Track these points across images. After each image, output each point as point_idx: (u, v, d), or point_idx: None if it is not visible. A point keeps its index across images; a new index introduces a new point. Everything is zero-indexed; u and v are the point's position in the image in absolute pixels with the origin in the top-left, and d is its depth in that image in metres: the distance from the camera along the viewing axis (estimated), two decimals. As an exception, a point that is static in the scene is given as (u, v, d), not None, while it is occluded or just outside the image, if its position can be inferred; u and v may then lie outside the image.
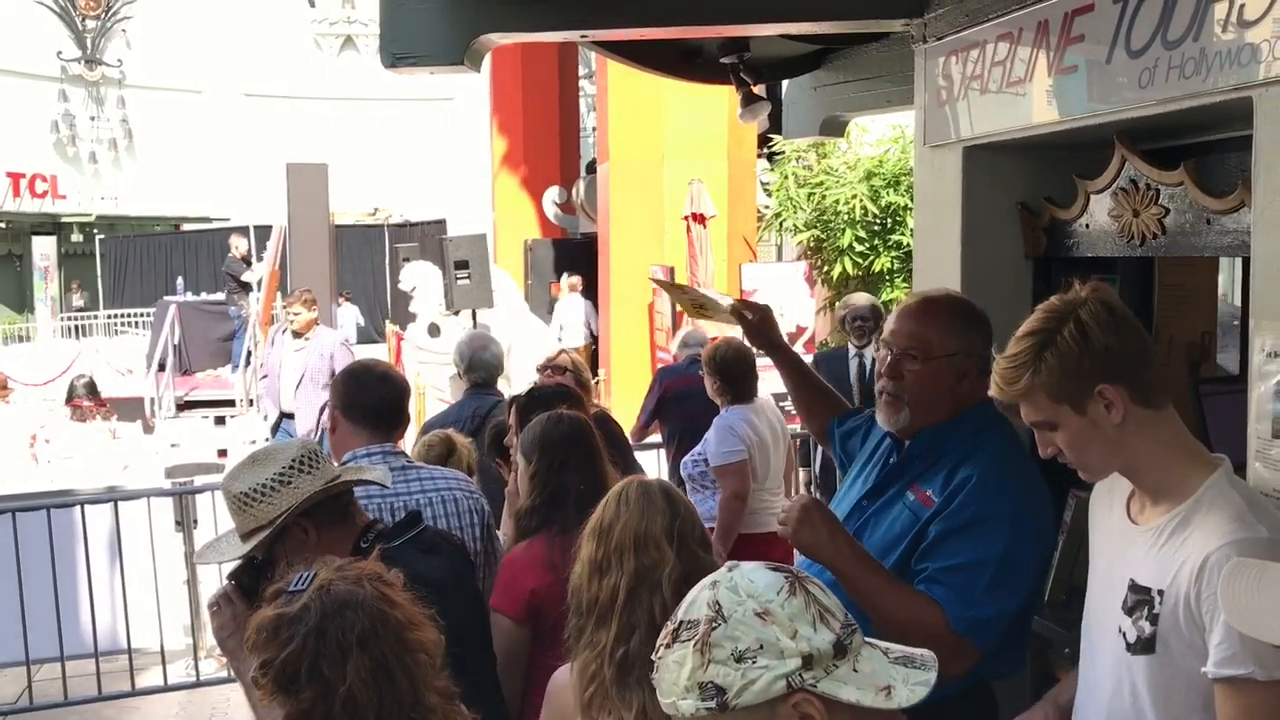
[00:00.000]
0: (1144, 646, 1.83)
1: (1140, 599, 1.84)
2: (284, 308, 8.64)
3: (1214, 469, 1.84)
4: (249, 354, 14.23)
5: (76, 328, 23.80)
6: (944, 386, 2.38)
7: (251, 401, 13.14)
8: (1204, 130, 2.68)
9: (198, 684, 5.45)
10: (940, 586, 2.20)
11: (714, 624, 1.26)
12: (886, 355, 2.44)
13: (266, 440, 8.23)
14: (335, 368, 7.72)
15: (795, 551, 2.42)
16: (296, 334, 8.06)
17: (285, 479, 2.22)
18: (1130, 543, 1.91)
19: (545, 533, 2.73)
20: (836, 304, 6.95)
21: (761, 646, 1.24)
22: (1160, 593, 1.80)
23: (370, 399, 2.88)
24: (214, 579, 5.55)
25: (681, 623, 1.30)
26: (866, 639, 1.31)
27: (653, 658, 1.31)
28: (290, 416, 8.00)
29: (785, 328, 9.50)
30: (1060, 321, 1.85)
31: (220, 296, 17.60)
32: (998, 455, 2.35)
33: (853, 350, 6.47)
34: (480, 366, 4.90)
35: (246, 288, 16.29)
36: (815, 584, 1.31)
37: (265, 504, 2.21)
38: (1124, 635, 1.87)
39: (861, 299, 6.80)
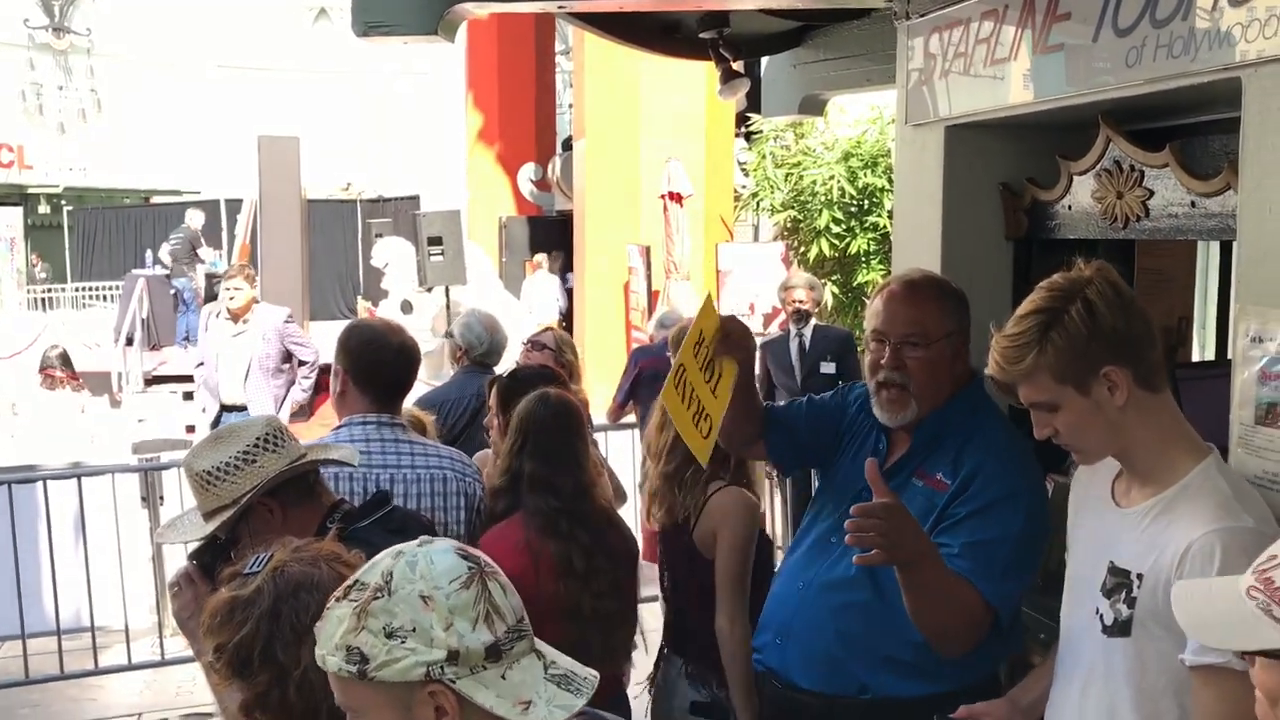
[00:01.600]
0: (1120, 629, 1.83)
1: (1119, 581, 1.84)
2: (222, 284, 7.61)
3: (1204, 455, 1.83)
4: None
5: (43, 300, 23.48)
6: (945, 369, 2.36)
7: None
8: (1190, 111, 2.65)
9: (163, 663, 5.39)
10: (964, 560, 2.19)
11: (378, 594, 1.30)
12: (880, 347, 2.36)
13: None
14: (288, 349, 7.16)
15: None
16: (233, 316, 7.15)
17: (249, 457, 2.16)
18: (1112, 525, 1.90)
19: (520, 514, 2.71)
20: (779, 290, 7.00)
21: (414, 630, 1.28)
22: (1140, 576, 1.80)
23: (386, 375, 2.83)
24: (180, 557, 5.48)
25: (356, 581, 1.34)
26: (539, 649, 1.34)
27: (327, 608, 1.35)
28: (232, 410, 7.13)
29: (761, 309, 9.51)
30: (1067, 300, 1.82)
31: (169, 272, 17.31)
32: (1004, 437, 2.37)
33: (793, 331, 6.68)
34: (497, 350, 4.84)
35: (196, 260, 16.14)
36: (497, 581, 1.34)
37: (228, 483, 2.15)
38: (1101, 617, 1.87)
39: (800, 280, 6.86)
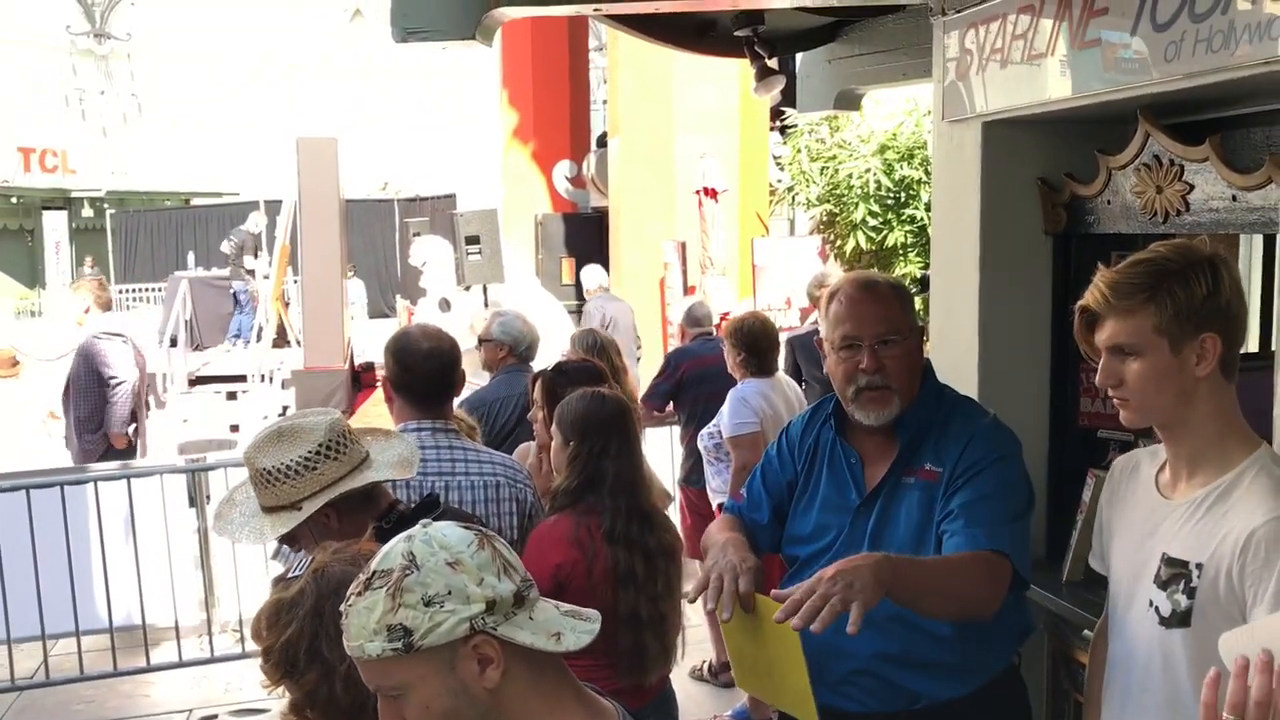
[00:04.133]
0: (1179, 620, 1.82)
1: (1175, 572, 1.83)
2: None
3: (1257, 446, 1.84)
4: (259, 330, 14.28)
5: (89, 302, 23.82)
6: (918, 362, 2.37)
7: (263, 378, 13.16)
8: (1230, 105, 2.63)
9: (212, 660, 5.47)
10: (959, 519, 2.17)
11: (407, 571, 1.38)
12: (853, 354, 2.29)
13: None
14: (99, 369, 6.19)
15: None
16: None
17: (310, 464, 2.19)
18: (1162, 517, 1.89)
19: (573, 510, 2.72)
20: (810, 286, 6.87)
21: (450, 592, 1.37)
22: (1199, 566, 1.79)
23: (415, 380, 2.89)
24: (228, 556, 5.59)
25: (374, 573, 1.40)
26: (541, 597, 1.47)
27: (341, 607, 1.42)
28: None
29: (798, 303, 9.50)
30: (1194, 259, 1.82)
31: (227, 272, 17.63)
32: (976, 412, 2.39)
33: None
34: (535, 344, 4.89)
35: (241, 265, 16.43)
36: (501, 541, 1.46)
37: (288, 485, 2.18)
38: (1156, 609, 1.86)
39: (835, 277, 6.77)
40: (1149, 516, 1.93)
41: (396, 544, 1.42)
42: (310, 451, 2.19)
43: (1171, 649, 1.84)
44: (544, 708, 1.44)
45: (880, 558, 1.99)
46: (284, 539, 2.26)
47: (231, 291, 16.92)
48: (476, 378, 6.33)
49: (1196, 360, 1.81)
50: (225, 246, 17.89)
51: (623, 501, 2.71)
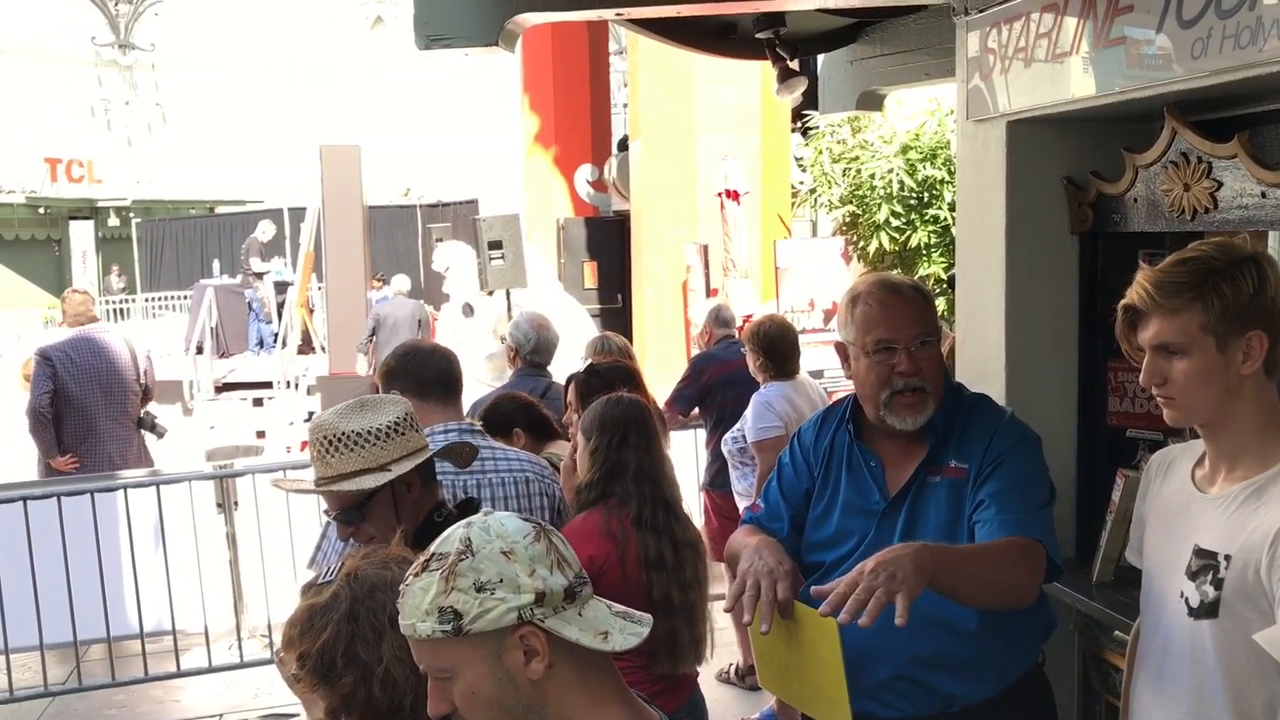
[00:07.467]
0: (1207, 611, 1.82)
1: (1205, 564, 1.83)
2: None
3: None
4: (284, 337, 14.39)
5: (115, 311, 24.08)
6: (944, 362, 2.36)
7: (289, 384, 13.25)
8: (1258, 101, 2.61)
9: (241, 665, 5.51)
10: (990, 509, 2.17)
11: (462, 556, 1.41)
12: (888, 356, 2.25)
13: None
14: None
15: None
16: None
17: (399, 429, 2.27)
18: (1197, 511, 1.89)
19: (603, 504, 2.75)
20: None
21: (501, 580, 1.39)
22: (1227, 557, 1.80)
23: (430, 370, 2.96)
24: (256, 561, 5.62)
25: (433, 554, 1.43)
26: (594, 595, 1.48)
27: (401, 586, 1.45)
28: None
29: (821, 305, 9.48)
30: (1238, 257, 1.82)
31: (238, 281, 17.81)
32: (992, 408, 2.39)
33: None
34: (545, 347, 4.90)
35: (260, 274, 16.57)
36: (558, 536, 1.48)
37: (377, 448, 2.24)
38: (1186, 600, 1.86)
39: None
40: (1183, 510, 1.93)
41: (457, 529, 1.45)
42: (398, 418, 2.28)
43: (1200, 640, 1.85)
44: (588, 705, 1.46)
45: (919, 547, 1.97)
46: (347, 526, 2.28)
47: (247, 301, 17.13)
48: (498, 382, 6.32)
49: (1242, 358, 1.81)
50: (242, 257, 18.15)
51: (648, 489, 2.75)
